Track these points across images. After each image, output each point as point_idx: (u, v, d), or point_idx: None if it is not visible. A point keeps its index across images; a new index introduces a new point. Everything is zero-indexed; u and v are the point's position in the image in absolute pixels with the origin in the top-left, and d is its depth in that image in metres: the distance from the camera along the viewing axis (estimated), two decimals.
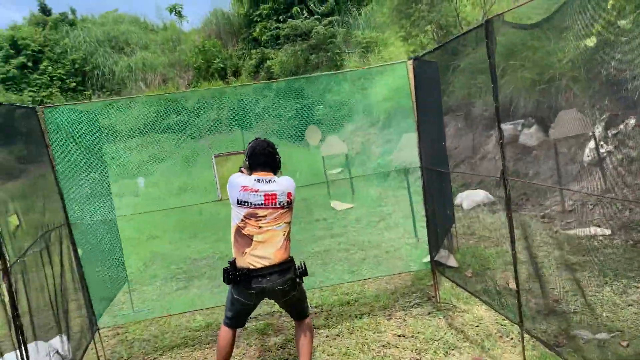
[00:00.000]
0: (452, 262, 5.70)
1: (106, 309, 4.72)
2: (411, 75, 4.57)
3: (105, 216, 4.56)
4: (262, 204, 3.41)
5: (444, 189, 5.26)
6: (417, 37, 14.37)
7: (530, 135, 9.59)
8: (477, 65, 11.79)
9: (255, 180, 3.49)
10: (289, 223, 3.53)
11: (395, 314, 4.75)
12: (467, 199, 8.62)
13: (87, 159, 4.46)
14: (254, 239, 3.39)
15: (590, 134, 8.05)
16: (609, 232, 6.07)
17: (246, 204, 3.42)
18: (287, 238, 3.50)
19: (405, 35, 14.51)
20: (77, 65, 24.52)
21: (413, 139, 6.23)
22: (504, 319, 4.27)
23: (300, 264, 3.57)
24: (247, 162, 3.61)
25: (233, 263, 3.43)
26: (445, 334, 4.20)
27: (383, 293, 5.28)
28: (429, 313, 4.64)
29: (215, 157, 4.31)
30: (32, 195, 3.51)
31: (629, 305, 4.22)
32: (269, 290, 3.40)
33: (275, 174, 3.62)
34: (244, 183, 3.47)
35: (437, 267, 5.32)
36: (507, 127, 10.12)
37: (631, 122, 7.57)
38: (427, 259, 5.75)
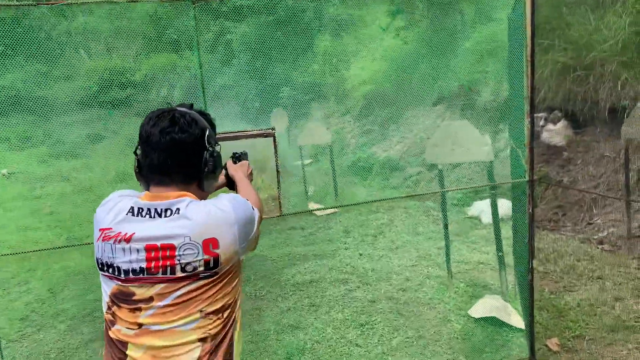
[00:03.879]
0: (515, 320, 3.77)
1: None
2: (529, 11, 2.51)
3: None
4: (140, 271, 1.38)
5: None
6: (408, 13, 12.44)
7: (556, 133, 7.83)
8: (483, 46, 9.98)
9: (131, 210, 1.42)
10: (222, 313, 1.46)
11: None
12: (488, 209, 6.75)
13: None
14: (128, 352, 1.39)
15: None
16: None
17: (110, 269, 1.41)
18: (214, 351, 1.44)
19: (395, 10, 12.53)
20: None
21: (461, 126, 4.25)
22: None
23: None
24: (136, 164, 1.54)
25: None
26: None
27: None
28: None
29: None
30: None
31: None
32: None
33: (190, 188, 1.52)
34: (108, 220, 1.44)
35: (487, 326, 3.40)
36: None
37: None
38: (482, 311, 3.81)
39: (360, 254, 5.82)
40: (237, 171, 1.91)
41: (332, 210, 7.83)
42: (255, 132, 2.14)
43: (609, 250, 5.34)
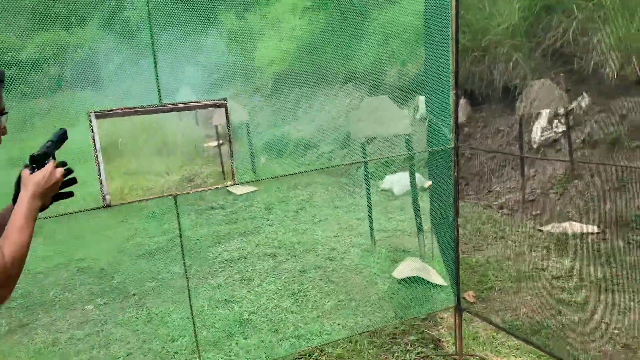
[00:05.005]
0: (434, 277, 4.15)
1: None
2: None
3: None
4: None
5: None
6: None
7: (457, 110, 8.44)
8: (390, 27, 10.43)
9: None
10: None
11: None
12: (399, 183, 7.20)
13: None
14: None
15: (538, 112, 7.09)
16: (595, 229, 5.04)
17: None
18: None
19: None
20: None
21: (381, 101, 4.51)
22: None
23: None
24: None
25: None
26: None
27: (358, 336, 3.53)
28: None
29: (98, 117, 2.08)
30: None
31: None
32: None
33: None
34: None
35: (411, 286, 3.75)
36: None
37: (585, 100, 6.70)
38: (405, 272, 4.14)
39: (285, 229, 5.97)
40: (25, 187, 1.26)
41: (251, 189, 7.88)
42: (207, 103, 2.17)
43: (508, 214, 5.98)
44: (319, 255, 5.06)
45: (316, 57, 12.83)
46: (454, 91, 2.77)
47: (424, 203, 5.88)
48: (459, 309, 3.04)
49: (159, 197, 2.38)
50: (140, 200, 2.60)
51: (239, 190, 7.85)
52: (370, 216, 4.86)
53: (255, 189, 7.85)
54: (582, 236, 4.90)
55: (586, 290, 3.84)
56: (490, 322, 3.19)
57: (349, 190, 7.56)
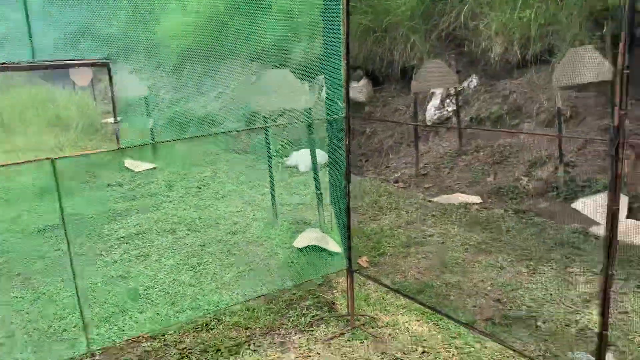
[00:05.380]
0: (332, 245, 4.32)
1: None
2: None
3: None
4: None
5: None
6: None
7: (359, 90, 8.72)
8: (296, 5, 10.42)
9: None
10: None
11: (291, 339, 3.17)
12: (304, 159, 7.31)
13: None
14: None
15: (432, 91, 7.50)
16: (478, 199, 5.49)
17: None
18: None
19: None
20: None
21: (282, 75, 4.53)
22: (451, 332, 3.09)
23: None
24: None
25: None
26: None
27: (256, 305, 3.60)
28: (343, 334, 3.18)
29: None
30: None
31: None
32: None
33: None
34: None
35: (309, 254, 3.90)
36: None
37: (473, 81, 7.20)
38: (304, 242, 4.26)
39: (186, 205, 5.86)
40: None
41: (151, 165, 7.61)
42: (87, 61, 2.07)
43: (402, 187, 6.31)
44: (221, 230, 5.04)
45: (221, 33, 12.54)
46: (345, 61, 2.86)
47: (327, 177, 6.04)
48: (350, 272, 3.19)
49: (34, 160, 2.22)
50: (9, 164, 2.42)
51: (138, 167, 7.55)
52: (272, 188, 4.91)
53: (155, 165, 7.59)
54: (467, 206, 5.31)
55: (467, 253, 4.19)
56: (380, 283, 3.39)
57: (254, 167, 7.55)
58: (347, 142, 2.95)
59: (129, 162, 7.72)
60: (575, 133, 5.56)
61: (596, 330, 1.98)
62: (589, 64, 5.01)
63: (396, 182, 6.48)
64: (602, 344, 1.95)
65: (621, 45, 1.64)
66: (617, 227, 1.80)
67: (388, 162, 7.23)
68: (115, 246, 4.77)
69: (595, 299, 3.40)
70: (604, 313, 1.90)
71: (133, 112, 11.80)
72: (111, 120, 8.71)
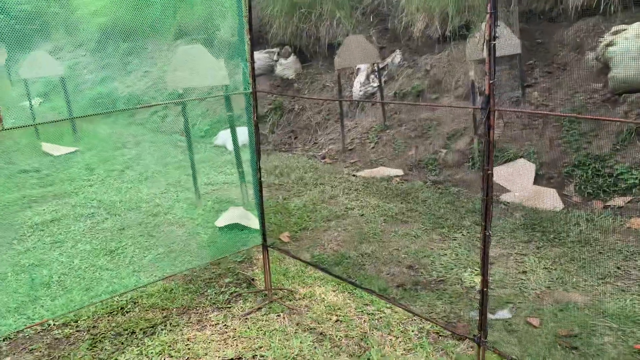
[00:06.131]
0: (253, 223, 4.35)
1: None
2: None
3: None
4: None
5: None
6: None
7: (287, 67, 8.69)
8: None
9: None
10: None
11: (208, 317, 3.18)
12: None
13: None
14: None
15: (358, 67, 7.59)
16: (400, 172, 5.66)
17: None
18: None
19: None
20: None
21: (197, 51, 4.43)
22: (364, 300, 3.21)
23: None
24: None
25: None
26: (303, 344, 2.88)
27: (174, 285, 3.57)
28: (260, 308, 3.23)
29: None
30: None
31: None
32: None
33: None
34: None
35: (230, 232, 3.92)
36: (260, 55, 8.98)
37: (397, 57, 7.34)
38: (226, 220, 4.26)
39: (107, 189, 5.67)
40: None
41: (71, 149, 7.28)
42: None
43: (329, 162, 6.40)
44: (142, 212, 4.93)
45: (146, 9, 12.04)
46: (249, 35, 2.84)
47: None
48: (265, 247, 3.23)
49: None
50: None
51: (57, 151, 7.21)
52: (192, 167, 4.84)
53: (75, 149, 7.27)
54: (389, 179, 5.47)
55: (385, 224, 4.33)
56: (293, 257, 3.46)
57: (181, 147, 7.39)
58: (254, 118, 2.94)
59: (47, 146, 7.35)
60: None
61: (478, 288, 2.12)
62: (499, 38, 5.22)
63: (323, 158, 6.56)
64: (484, 301, 2.09)
65: (487, 17, 1.73)
66: (492, 189, 1.92)
67: (316, 139, 7.29)
68: (28, 234, 4.57)
69: (497, 261, 3.63)
70: (484, 273, 2.04)
71: (54, 93, 11.19)
72: (26, 104, 8.22)
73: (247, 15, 2.78)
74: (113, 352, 2.86)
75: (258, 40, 9.15)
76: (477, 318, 2.13)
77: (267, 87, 8.41)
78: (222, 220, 4.39)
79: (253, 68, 2.91)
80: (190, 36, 10.65)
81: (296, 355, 2.75)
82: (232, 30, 9.44)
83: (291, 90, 8.29)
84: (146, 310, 3.30)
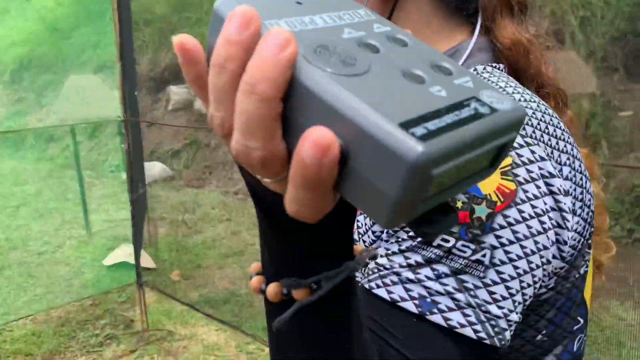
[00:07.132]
0: (145, 260, 4.15)
1: None
2: None
3: None
4: None
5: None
6: None
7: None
8: (140, 14, 10.06)
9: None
10: None
11: None
12: (147, 171, 6.99)
13: None
14: None
15: None
16: None
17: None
18: None
19: None
20: None
21: (88, 82, 4.28)
22: (247, 338, 3.10)
23: None
24: None
25: None
26: None
27: (45, 328, 3.31)
28: (133, 351, 3.03)
29: None
30: None
31: None
32: None
33: None
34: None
35: (117, 270, 3.73)
36: (179, 90, 8.88)
37: None
38: (115, 259, 4.05)
39: None
40: None
41: None
42: None
43: (242, 198, 6.30)
44: (28, 252, 4.60)
45: (65, 41, 11.70)
46: (120, 63, 2.77)
47: (163, 191, 5.87)
48: (139, 285, 3.06)
49: None
50: None
51: None
52: (83, 203, 4.60)
53: None
54: None
55: None
56: (170, 296, 3.31)
57: (88, 183, 7.06)
58: (127, 148, 2.84)
59: None
60: None
61: None
62: None
63: (236, 193, 6.46)
64: None
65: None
66: None
67: (232, 175, 7.19)
68: None
69: None
70: None
71: None
72: None
73: (117, 43, 2.72)
74: None
75: (178, 74, 9.06)
76: None
77: (184, 122, 8.29)
78: (110, 259, 4.16)
79: (124, 94, 2.83)
80: (110, 69, 10.42)
81: None
82: (154, 65, 9.30)
83: (210, 129, 8.20)
84: (7, 356, 3.02)
